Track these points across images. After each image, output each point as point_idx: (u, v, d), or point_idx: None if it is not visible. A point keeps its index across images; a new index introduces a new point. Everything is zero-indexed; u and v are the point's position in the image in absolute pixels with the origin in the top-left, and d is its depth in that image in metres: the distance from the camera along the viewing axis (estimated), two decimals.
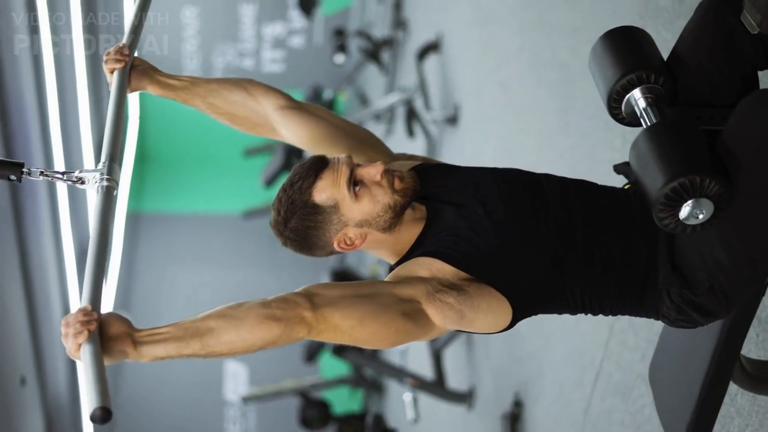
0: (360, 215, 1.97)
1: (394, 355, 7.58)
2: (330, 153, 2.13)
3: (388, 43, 8.77)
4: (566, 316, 4.24)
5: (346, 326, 1.78)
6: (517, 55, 5.22)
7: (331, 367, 9.12)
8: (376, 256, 2.12)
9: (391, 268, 2.04)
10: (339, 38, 9.57)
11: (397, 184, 1.99)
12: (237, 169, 11.09)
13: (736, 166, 1.83)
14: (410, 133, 7.47)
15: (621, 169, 2.02)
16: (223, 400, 9.70)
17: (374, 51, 8.87)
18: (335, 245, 2.00)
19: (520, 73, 5.14)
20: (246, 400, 8.22)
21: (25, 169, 1.88)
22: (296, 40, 10.90)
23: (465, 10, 6.54)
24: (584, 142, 4.05)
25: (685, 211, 1.80)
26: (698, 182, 1.77)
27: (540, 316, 4.66)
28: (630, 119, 2.09)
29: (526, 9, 5.09)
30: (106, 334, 1.63)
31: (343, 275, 6.81)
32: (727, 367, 2.27)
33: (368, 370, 7.98)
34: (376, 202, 1.97)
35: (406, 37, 8.56)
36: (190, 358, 1.71)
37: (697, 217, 1.81)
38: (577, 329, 4.15)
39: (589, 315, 2.08)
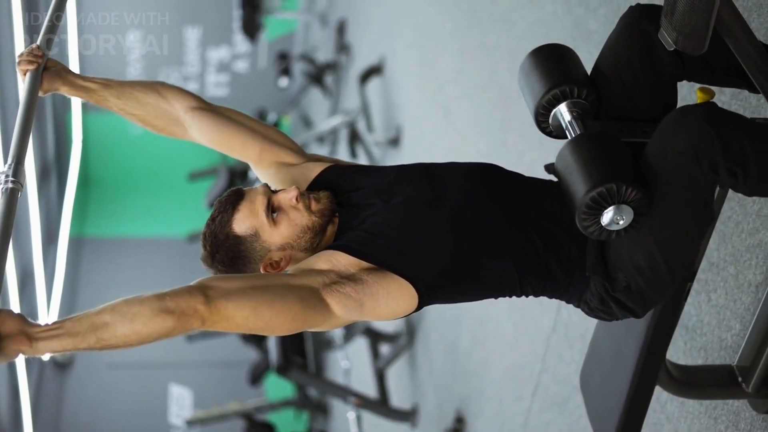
0: (280, 239, 2.05)
1: (337, 374, 7.61)
2: (240, 154, 2.21)
3: (332, 66, 8.84)
4: (505, 330, 4.33)
5: (240, 316, 1.82)
6: (456, 77, 5.32)
7: (275, 389, 9.11)
8: None
9: None
10: (283, 62, 9.63)
11: (314, 205, 2.07)
12: (181, 193, 11.06)
13: (656, 182, 1.93)
14: (353, 154, 7.54)
15: (552, 168, 2.10)
16: (167, 423, 9.62)
17: (318, 75, 8.93)
18: (262, 270, 2.08)
19: (460, 95, 5.24)
20: (190, 423, 8.17)
21: None
22: (240, 64, 10.93)
23: (407, 34, 6.63)
24: (521, 160, 4.15)
25: (606, 217, 1.89)
26: (616, 190, 1.86)
27: (480, 331, 4.71)
28: (557, 132, 2.17)
29: (466, 32, 5.19)
30: (0, 334, 1.64)
31: None
32: (653, 369, 2.36)
33: (312, 390, 7.99)
34: (294, 225, 2.05)
35: (349, 61, 8.63)
36: (86, 351, 1.73)
37: (618, 223, 1.90)
38: (516, 344, 4.23)
39: (514, 297, 2.14)
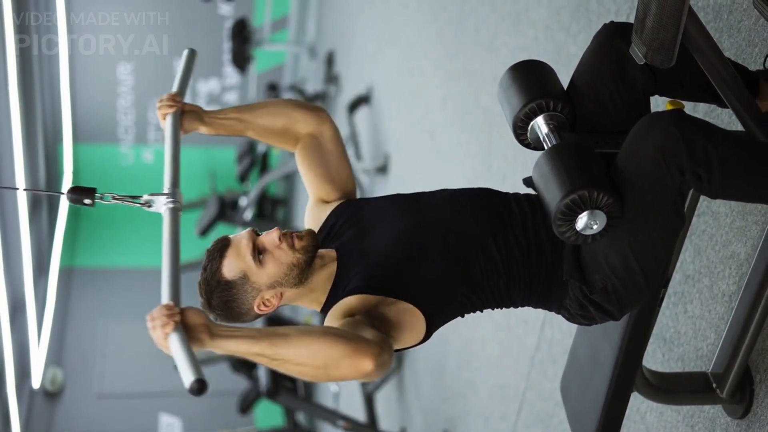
0: (268, 279, 2.15)
1: (326, 398, 7.65)
2: (311, 191, 2.40)
3: (321, 97, 8.94)
4: (491, 350, 4.39)
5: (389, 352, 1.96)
6: (442, 104, 5.42)
7: (265, 417, 9.12)
8: (299, 305, 2.30)
9: (323, 313, 2.21)
10: (272, 93, 9.73)
11: (297, 243, 2.17)
12: None
13: (627, 185, 2.02)
14: None
15: (530, 181, 2.19)
16: None
17: None
18: (256, 309, 2.19)
19: (445, 121, 5.33)
20: None
21: (97, 194, 2.08)
22: (230, 96, 11.01)
23: (393, 64, 6.74)
24: (504, 183, 4.24)
25: (581, 222, 1.98)
26: (588, 196, 1.95)
27: (466, 352, 4.76)
28: (535, 144, 2.27)
29: (451, 60, 5.29)
30: (187, 324, 1.78)
31: (276, 320, 6.91)
32: (629, 375, 2.43)
33: (302, 417, 8.02)
34: (280, 264, 2.15)
35: (337, 91, 8.74)
36: (258, 360, 1.84)
37: (592, 228, 1.98)
38: (501, 363, 4.29)
39: (503, 309, 2.24)
